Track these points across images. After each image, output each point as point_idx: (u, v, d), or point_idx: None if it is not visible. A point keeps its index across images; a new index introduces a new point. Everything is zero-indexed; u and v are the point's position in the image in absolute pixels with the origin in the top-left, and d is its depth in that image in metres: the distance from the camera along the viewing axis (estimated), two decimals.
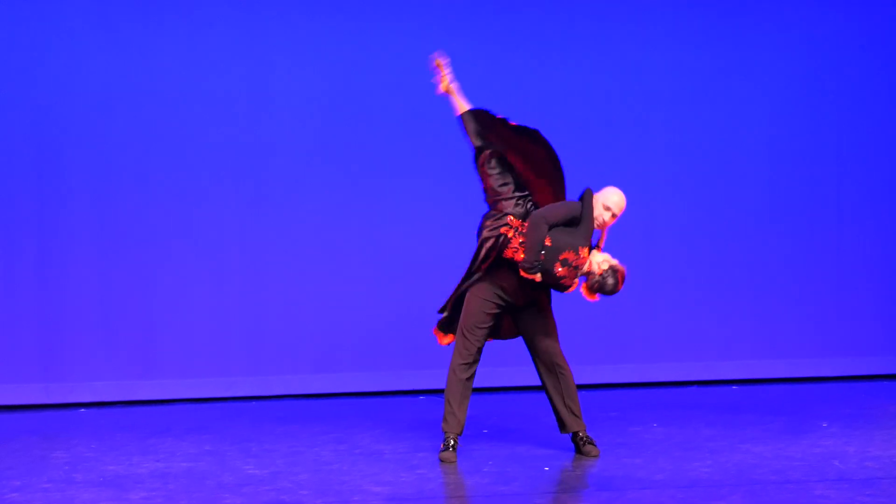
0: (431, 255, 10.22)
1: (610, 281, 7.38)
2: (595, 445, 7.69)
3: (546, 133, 7.55)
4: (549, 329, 7.64)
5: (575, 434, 7.69)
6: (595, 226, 7.45)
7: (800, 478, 7.01)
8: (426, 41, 10.23)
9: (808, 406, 9.44)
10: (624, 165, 10.52)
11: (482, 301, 7.59)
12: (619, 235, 10.50)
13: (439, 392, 10.20)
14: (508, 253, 7.45)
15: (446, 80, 7.76)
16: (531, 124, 7.54)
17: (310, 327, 10.13)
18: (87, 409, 9.79)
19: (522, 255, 7.37)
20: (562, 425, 7.71)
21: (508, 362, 9.61)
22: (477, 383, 8.10)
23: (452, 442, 7.62)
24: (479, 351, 7.66)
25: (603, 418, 8.84)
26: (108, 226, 9.91)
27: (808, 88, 10.77)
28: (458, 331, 7.68)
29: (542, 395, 8.59)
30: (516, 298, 7.59)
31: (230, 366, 10.06)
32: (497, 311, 7.62)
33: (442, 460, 7.55)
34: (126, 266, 9.93)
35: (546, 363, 7.66)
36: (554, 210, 7.40)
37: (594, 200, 7.44)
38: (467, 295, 7.66)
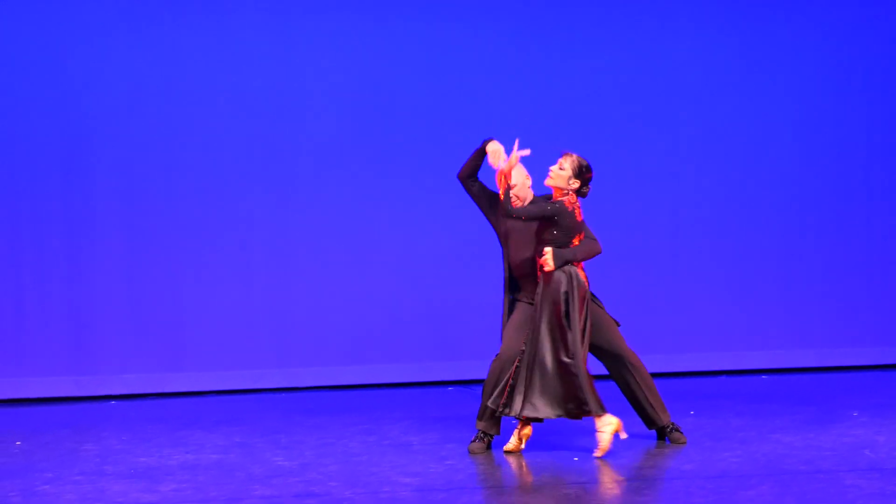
0: (459, 247, 10.22)
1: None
2: (682, 433, 7.72)
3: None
4: (603, 323, 7.62)
5: (661, 427, 7.71)
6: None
7: (830, 467, 6.98)
8: (424, 39, 10.25)
9: (838, 395, 9.40)
10: (652, 157, 10.49)
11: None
12: (650, 227, 10.50)
13: (468, 383, 10.21)
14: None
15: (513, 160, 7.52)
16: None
17: (338, 319, 10.15)
18: (117, 401, 9.84)
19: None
20: (648, 422, 7.73)
21: None
22: None
23: (482, 434, 7.61)
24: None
25: (631, 409, 8.81)
26: (137, 220, 9.95)
27: (838, 81, 10.72)
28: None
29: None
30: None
31: (259, 358, 10.09)
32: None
33: (470, 451, 7.54)
34: (155, 260, 9.97)
35: (612, 358, 7.65)
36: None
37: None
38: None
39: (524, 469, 7.22)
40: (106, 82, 9.89)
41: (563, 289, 7.33)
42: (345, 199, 10.19)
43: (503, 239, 7.67)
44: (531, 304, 7.52)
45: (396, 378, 10.23)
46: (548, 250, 7.38)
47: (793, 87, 10.69)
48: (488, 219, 7.77)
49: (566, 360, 7.29)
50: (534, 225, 7.46)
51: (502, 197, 7.38)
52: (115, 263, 9.93)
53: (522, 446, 7.57)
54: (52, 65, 9.84)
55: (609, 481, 6.88)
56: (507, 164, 7.41)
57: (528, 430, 7.58)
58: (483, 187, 7.76)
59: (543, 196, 7.62)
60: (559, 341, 7.32)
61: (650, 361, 10.53)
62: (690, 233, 10.58)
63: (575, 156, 7.45)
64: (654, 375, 10.51)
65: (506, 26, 10.37)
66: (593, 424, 7.40)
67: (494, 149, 7.59)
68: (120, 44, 9.90)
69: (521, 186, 7.55)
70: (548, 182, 7.46)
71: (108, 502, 6.38)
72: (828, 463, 7.09)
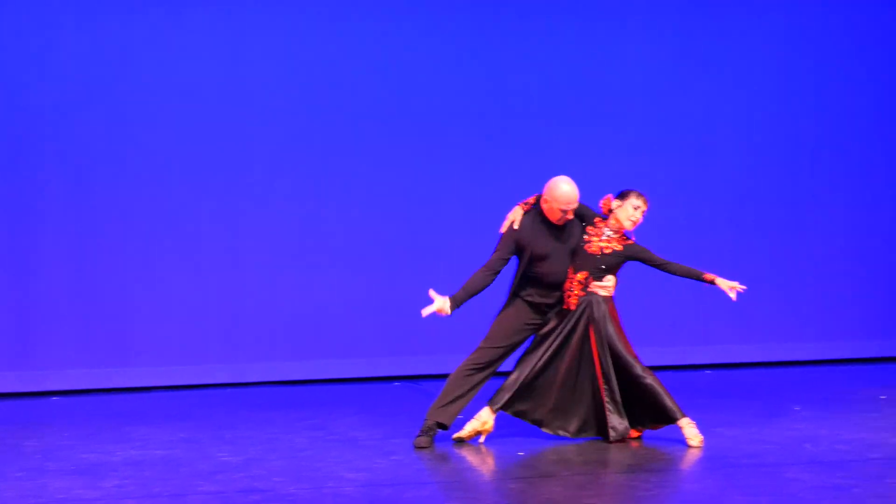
0: (406, 243, 10.22)
1: None
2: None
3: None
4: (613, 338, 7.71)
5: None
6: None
7: (773, 461, 7.04)
8: (403, 33, 10.24)
9: (781, 390, 9.49)
10: (626, 158, 10.52)
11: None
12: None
13: (415, 378, 10.21)
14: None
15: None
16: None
17: (286, 315, 10.11)
18: (60, 397, 9.76)
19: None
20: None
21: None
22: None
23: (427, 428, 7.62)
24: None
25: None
26: (83, 214, 9.86)
27: (834, 77, 10.81)
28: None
29: None
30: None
31: (206, 353, 10.04)
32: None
33: (416, 446, 7.55)
34: (100, 254, 9.88)
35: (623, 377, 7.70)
36: None
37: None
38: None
39: (471, 465, 7.23)
40: (50, 75, 9.78)
41: (602, 310, 7.59)
42: (293, 194, 10.15)
43: (532, 258, 7.61)
44: (540, 303, 7.62)
45: (343, 374, 10.21)
46: (611, 278, 7.65)
47: (785, 84, 10.77)
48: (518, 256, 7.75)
49: (641, 375, 7.58)
50: (572, 242, 7.64)
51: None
52: (59, 257, 9.83)
53: (482, 440, 7.61)
54: None
55: (551, 475, 6.91)
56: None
57: (490, 427, 7.60)
58: (511, 254, 7.69)
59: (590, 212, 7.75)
60: (621, 358, 7.58)
61: None
62: (642, 229, 10.60)
63: (643, 194, 7.72)
64: None
65: (452, 23, 10.38)
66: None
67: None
68: (64, 36, 9.79)
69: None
70: (634, 225, 7.66)
71: (50, 499, 6.33)
72: (771, 457, 7.16)
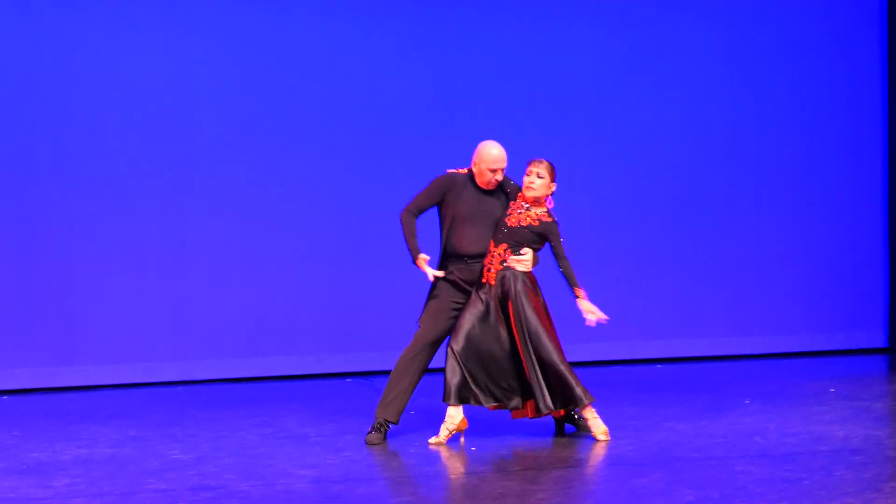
0: (353, 239, 10.20)
1: None
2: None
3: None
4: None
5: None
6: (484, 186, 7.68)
7: (722, 454, 7.09)
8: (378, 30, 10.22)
9: (730, 384, 9.54)
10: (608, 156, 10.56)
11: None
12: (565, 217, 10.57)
13: (365, 374, 10.19)
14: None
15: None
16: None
17: (233, 311, 10.06)
18: (7, 396, 9.67)
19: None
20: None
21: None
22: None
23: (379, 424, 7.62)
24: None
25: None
26: (25, 211, 9.77)
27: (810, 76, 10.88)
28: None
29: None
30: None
31: (153, 351, 9.97)
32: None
33: (367, 442, 7.54)
34: (45, 251, 9.79)
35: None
36: None
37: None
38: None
39: (420, 460, 7.23)
40: None
41: (519, 286, 7.53)
42: (238, 191, 10.10)
43: (454, 220, 7.67)
44: (461, 282, 7.65)
45: (293, 370, 10.17)
46: (528, 251, 7.60)
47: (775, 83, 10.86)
48: (438, 206, 7.78)
49: (552, 354, 7.52)
50: (495, 212, 7.63)
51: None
52: (2, 254, 9.74)
53: (462, 439, 7.61)
54: None
55: (503, 469, 6.92)
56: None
57: (462, 422, 7.59)
58: (434, 201, 7.77)
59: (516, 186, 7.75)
60: (538, 336, 7.52)
61: None
62: (584, 221, 10.64)
63: (544, 160, 7.64)
64: None
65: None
66: (498, 419, 7.42)
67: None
68: (8, 24, 9.71)
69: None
70: (531, 194, 7.61)
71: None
72: (719, 450, 7.20)
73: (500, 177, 7.66)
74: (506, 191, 7.75)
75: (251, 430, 8.04)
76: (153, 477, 6.74)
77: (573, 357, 10.55)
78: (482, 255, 7.68)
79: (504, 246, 7.63)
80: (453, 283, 7.72)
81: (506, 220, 7.66)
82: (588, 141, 10.63)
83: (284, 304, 10.12)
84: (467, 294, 7.69)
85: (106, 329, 9.87)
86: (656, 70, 10.72)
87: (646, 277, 10.78)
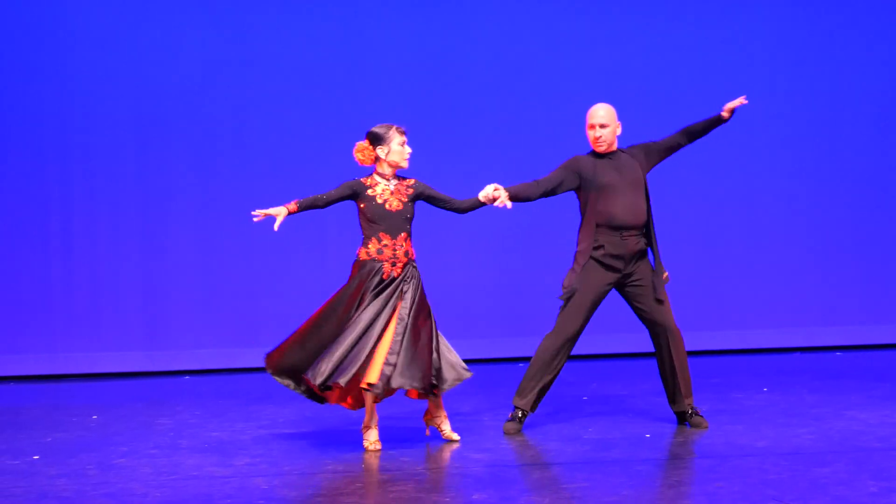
0: (298, 231, 10.18)
1: None
2: (703, 417, 7.58)
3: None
4: (649, 293, 7.43)
5: (682, 411, 7.57)
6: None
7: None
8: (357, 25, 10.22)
9: None
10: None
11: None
12: (723, 205, 10.42)
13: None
14: None
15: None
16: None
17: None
18: (190, 376, 9.92)
19: None
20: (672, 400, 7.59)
21: (612, 329, 9.57)
22: (580, 350, 8.02)
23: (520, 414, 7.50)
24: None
25: (705, 385, 8.76)
26: (207, 202, 10.03)
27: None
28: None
29: (645, 363, 8.52)
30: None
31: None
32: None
33: (505, 432, 7.42)
34: (228, 237, 10.04)
35: (657, 327, 7.45)
36: None
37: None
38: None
39: (595, 446, 7.20)
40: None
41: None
42: (187, 184, 10.18)
43: (601, 192, 7.33)
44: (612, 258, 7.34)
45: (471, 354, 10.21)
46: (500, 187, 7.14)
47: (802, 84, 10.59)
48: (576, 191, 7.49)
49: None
50: (634, 172, 7.32)
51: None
52: (188, 242, 10.03)
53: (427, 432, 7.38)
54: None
55: (680, 458, 6.84)
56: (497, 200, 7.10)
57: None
58: (563, 182, 7.40)
59: (636, 146, 7.49)
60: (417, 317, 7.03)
61: (721, 338, 10.50)
62: (760, 211, 10.48)
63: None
64: (726, 353, 10.48)
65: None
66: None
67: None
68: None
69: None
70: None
71: (184, 476, 6.43)
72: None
73: (598, 133, 7.34)
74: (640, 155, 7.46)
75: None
76: (331, 459, 6.82)
77: (751, 344, 10.45)
78: (635, 228, 7.37)
79: (404, 235, 7.06)
80: (601, 263, 7.37)
81: (386, 209, 7.01)
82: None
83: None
84: (618, 272, 7.38)
85: (285, 312, 10.05)
86: (698, 64, 10.51)
87: (826, 263, 10.57)
